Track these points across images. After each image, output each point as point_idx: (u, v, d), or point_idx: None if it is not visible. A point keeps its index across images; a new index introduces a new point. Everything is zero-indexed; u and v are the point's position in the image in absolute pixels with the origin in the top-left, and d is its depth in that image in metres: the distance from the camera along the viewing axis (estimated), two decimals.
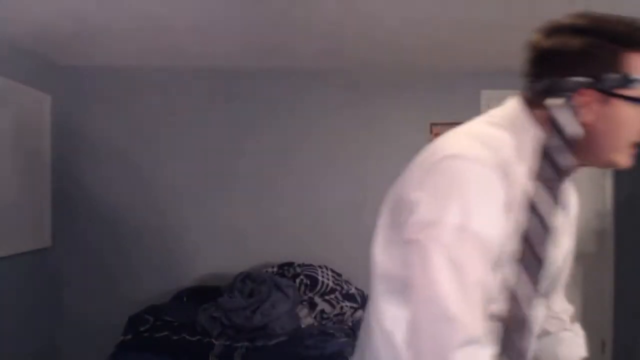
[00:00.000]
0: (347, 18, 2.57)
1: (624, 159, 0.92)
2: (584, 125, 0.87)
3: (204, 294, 3.16)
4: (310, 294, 3.19)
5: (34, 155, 3.16)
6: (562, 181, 0.91)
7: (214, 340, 2.67)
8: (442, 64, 3.44)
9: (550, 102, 0.88)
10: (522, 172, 0.89)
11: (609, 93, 0.85)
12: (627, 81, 0.85)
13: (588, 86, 0.85)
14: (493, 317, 0.88)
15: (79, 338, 3.47)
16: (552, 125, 0.87)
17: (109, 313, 3.46)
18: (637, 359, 3.45)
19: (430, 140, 3.72)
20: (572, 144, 0.87)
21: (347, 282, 3.33)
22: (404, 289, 0.90)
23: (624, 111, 0.86)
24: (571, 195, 1.06)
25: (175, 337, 2.63)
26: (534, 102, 0.93)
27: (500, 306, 0.88)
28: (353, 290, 3.27)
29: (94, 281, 3.48)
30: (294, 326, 2.86)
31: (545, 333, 1.15)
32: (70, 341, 3.47)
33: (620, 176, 3.56)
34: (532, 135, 0.91)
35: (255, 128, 3.54)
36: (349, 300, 3.18)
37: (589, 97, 0.86)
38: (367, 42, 2.96)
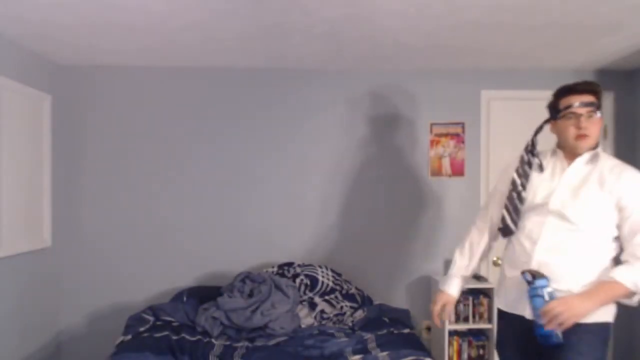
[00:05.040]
0: (347, 18, 2.57)
1: None
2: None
3: (204, 294, 3.16)
4: (310, 294, 3.19)
5: (34, 155, 3.16)
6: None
7: (214, 340, 2.67)
8: (442, 64, 3.44)
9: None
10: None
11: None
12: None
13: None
14: None
15: (79, 338, 3.47)
16: None
17: (108, 313, 3.47)
18: (637, 359, 3.45)
19: (430, 140, 3.71)
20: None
21: (347, 282, 3.33)
22: None
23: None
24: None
25: (175, 337, 2.63)
26: None
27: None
28: (353, 290, 3.27)
29: (93, 281, 3.48)
30: (294, 326, 2.86)
31: None
32: (70, 341, 3.47)
33: None
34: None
35: (255, 128, 3.54)
36: (349, 300, 3.18)
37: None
38: (366, 42, 2.96)
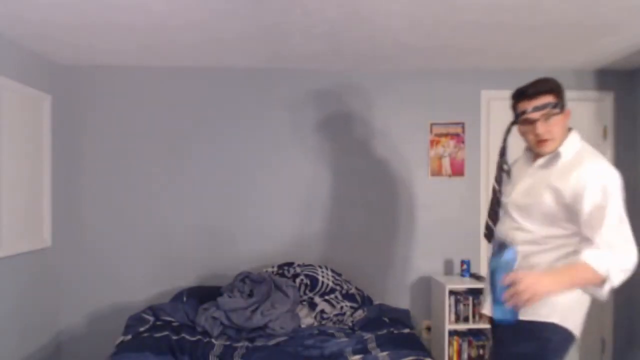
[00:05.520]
0: (347, 18, 2.57)
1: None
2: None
3: (204, 294, 3.16)
4: (310, 294, 3.19)
5: (34, 155, 3.16)
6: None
7: (213, 340, 2.67)
8: (442, 64, 3.44)
9: None
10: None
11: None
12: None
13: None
14: None
15: (79, 338, 3.47)
16: None
17: (108, 313, 3.47)
18: (637, 359, 3.45)
19: (430, 140, 3.70)
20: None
21: (347, 282, 3.33)
22: None
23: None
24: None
25: (175, 337, 2.63)
26: None
27: None
28: (353, 290, 3.27)
29: (93, 281, 3.48)
30: (293, 326, 2.86)
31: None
32: (70, 341, 3.47)
33: (621, 176, 3.55)
34: None
35: (255, 128, 3.54)
36: (349, 300, 3.18)
37: None
38: (366, 42, 2.96)
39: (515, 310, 1.58)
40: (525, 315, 1.68)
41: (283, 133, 3.55)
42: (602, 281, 1.58)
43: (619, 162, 3.57)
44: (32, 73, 3.13)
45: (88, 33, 2.81)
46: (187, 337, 2.66)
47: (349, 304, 3.16)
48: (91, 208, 3.49)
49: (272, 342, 2.66)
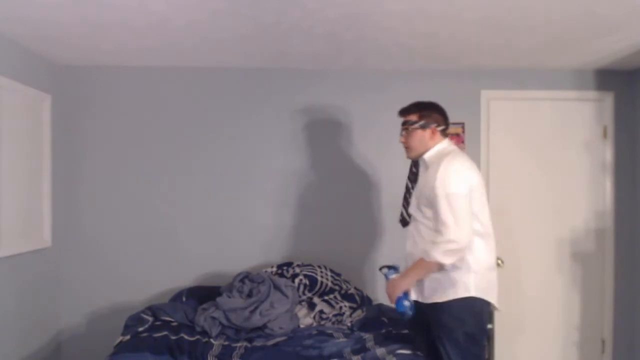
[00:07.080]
0: (347, 18, 2.57)
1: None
2: None
3: (203, 294, 3.16)
4: (309, 294, 3.19)
5: (34, 155, 3.16)
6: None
7: (212, 340, 2.67)
8: (442, 64, 3.44)
9: None
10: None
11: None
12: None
13: None
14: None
15: (79, 338, 3.47)
16: None
17: (108, 313, 3.47)
18: (637, 359, 3.45)
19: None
20: None
21: (346, 282, 3.33)
22: None
23: None
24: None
25: (174, 337, 2.63)
26: None
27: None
28: (352, 290, 3.27)
29: (93, 281, 3.48)
30: (292, 326, 2.86)
31: None
32: (70, 341, 3.48)
33: (620, 176, 3.56)
34: None
35: (256, 128, 3.54)
36: (348, 300, 3.18)
37: None
38: (366, 42, 2.96)
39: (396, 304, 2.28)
40: (443, 297, 2.23)
41: (283, 133, 3.55)
42: (439, 265, 2.16)
43: (619, 162, 3.57)
44: (32, 73, 3.13)
45: (88, 33, 2.81)
46: (186, 337, 2.66)
47: (348, 304, 3.15)
48: (91, 208, 3.50)
49: (271, 342, 2.66)
